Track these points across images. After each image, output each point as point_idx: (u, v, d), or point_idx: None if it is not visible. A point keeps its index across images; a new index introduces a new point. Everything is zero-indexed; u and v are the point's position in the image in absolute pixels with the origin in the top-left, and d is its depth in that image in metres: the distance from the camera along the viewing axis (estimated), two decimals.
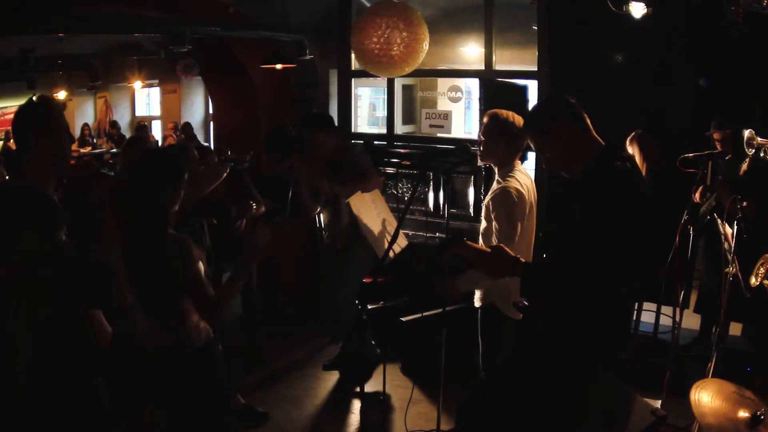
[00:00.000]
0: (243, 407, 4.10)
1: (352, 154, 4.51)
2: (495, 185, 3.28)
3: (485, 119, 3.31)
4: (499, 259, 2.31)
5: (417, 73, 5.50)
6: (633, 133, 4.38)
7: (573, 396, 2.23)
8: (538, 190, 3.41)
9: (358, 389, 4.45)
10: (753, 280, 3.26)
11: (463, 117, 8.10)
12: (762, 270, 3.21)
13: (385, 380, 3.91)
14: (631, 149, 4.40)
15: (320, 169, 4.47)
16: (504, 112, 3.25)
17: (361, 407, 2.93)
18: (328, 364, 4.81)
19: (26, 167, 2.57)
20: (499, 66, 5.72)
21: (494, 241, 3.17)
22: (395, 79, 6.36)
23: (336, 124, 5.46)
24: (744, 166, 3.81)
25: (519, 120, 3.25)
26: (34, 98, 2.71)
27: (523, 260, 2.33)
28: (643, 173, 4.34)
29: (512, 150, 3.25)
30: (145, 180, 2.51)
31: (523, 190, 3.17)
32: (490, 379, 2.99)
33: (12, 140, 2.74)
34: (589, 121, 2.41)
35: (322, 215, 4.76)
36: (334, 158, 4.43)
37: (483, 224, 3.31)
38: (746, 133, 3.65)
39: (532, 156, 4.96)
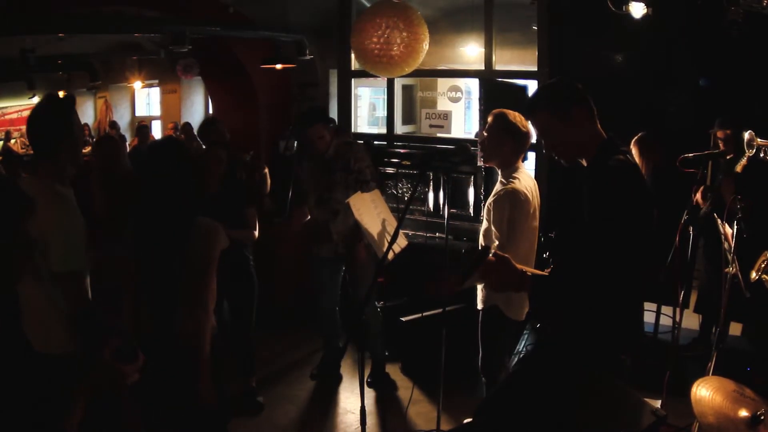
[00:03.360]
0: (247, 391, 4.15)
1: (360, 162, 4.40)
2: (498, 186, 3.27)
3: (490, 118, 3.29)
4: (503, 272, 2.22)
5: (417, 73, 5.50)
6: (637, 137, 4.39)
7: (573, 396, 2.23)
8: (539, 189, 3.41)
9: (358, 389, 4.46)
10: (753, 275, 3.25)
11: (463, 117, 8.10)
12: (763, 266, 3.21)
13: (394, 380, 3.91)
14: (634, 151, 4.40)
15: (316, 168, 4.41)
16: (511, 113, 3.24)
17: (360, 407, 2.92)
18: (315, 373, 4.75)
19: (45, 168, 2.51)
20: (499, 66, 5.72)
21: (495, 242, 3.16)
22: (395, 79, 6.35)
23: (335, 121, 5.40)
24: (743, 161, 3.81)
25: (524, 121, 3.23)
26: (52, 97, 2.64)
27: (530, 272, 2.27)
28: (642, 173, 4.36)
29: (517, 151, 3.25)
30: (174, 167, 2.52)
31: (527, 193, 3.16)
32: (505, 380, 2.98)
33: (27, 140, 2.64)
34: (596, 113, 2.38)
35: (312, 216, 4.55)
36: (338, 159, 4.36)
37: (484, 224, 3.31)
38: (746, 134, 3.65)
39: (532, 156, 4.97)
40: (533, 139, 3.28)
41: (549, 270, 2.53)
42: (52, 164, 2.51)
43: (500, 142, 3.22)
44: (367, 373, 4.53)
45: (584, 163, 2.36)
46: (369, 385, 4.51)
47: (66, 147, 2.52)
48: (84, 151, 12.78)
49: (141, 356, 1.74)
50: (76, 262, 2.46)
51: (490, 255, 2.23)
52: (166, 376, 2.46)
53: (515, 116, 3.23)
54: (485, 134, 3.30)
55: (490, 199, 3.26)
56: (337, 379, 4.64)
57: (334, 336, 4.65)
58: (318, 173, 4.38)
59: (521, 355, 2.62)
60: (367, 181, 4.28)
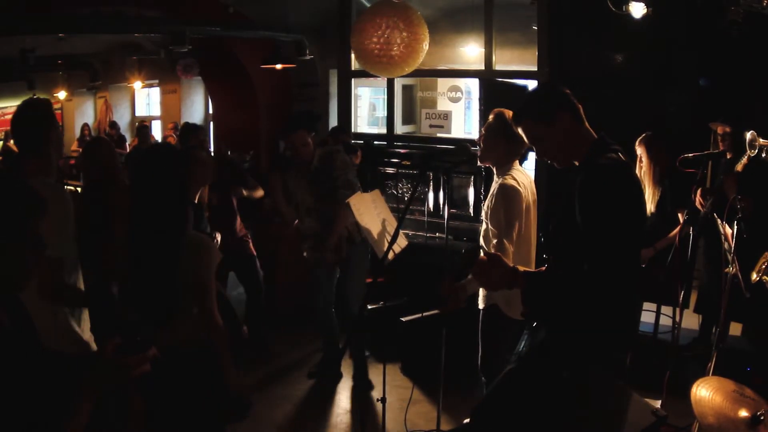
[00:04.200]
0: (232, 397, 4.13)
1: (343, 172, 4.35)
2: (494, 185, 3.27)
3: (490, 116, 3.29)
4: (494, 270, 2.22)
5: (417, 73, 5.50)
6: (642, 135, 4.39)
7: (574, 396, 2.23)
8: (538, 190, 3.40)
9: (357, 389, 4.46)
10: (753, 276, 3.25)
11: (463, 117, 8.10)
12: (763, 267, 3.21)
13: (385, 380, 3.92)
14: (639, 151, 4.40)
15: (301, 177, 4.42)
16: (510, 113, 3.24)
17: (360, 407, 2.92)
18: (313, 371, 4.74)
19: (34, 165, 2.61)
20: (499, 66, 5.72)
21: (492, 240, 3.16)
22: (395, 79, 6.36)
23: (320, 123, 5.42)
24: (744, 160, 3.80)
25: None
26: (33, 98, 2.79)
27: (522, 269, 2.27)
28: (651, 175, 4.35)
29: (512, 151, 3.24)
30: (163, 173, 2.54)
31: (520, 188, 3.16)
32: (502, 380, 2.99)
33: (13, 140, 2.81)
34: (583, 113, 2.40)
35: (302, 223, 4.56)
36: (321, 168, 4.35)
37: (483, 226, 3.31)
38: (748, 135, 3.64)
39: (532, 156, 4.96)
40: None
41: (543, 268, 2.54)
42: (40, 160, 2.63)
43: (495, 142, 3.23)
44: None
45: (577, 163, 2.36)
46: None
47: (53, 143, 2.69)
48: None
49: (151, 348, 1.72)
50: (63, 251, 2.55)
51: (481, 255, 2.24)
52: (166, 378, 2.46)
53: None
54: (483, 132, 3.30)
55: (487, 199, 3.26)
56: (338, 378, 4.65)
57: (333, 335, 4.65)
58: (304, 184, 4.38)
59: (519, 355, 2.62)
60: (355, 191, 4.27)
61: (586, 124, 2.38)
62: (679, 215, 4.32)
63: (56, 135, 2.76)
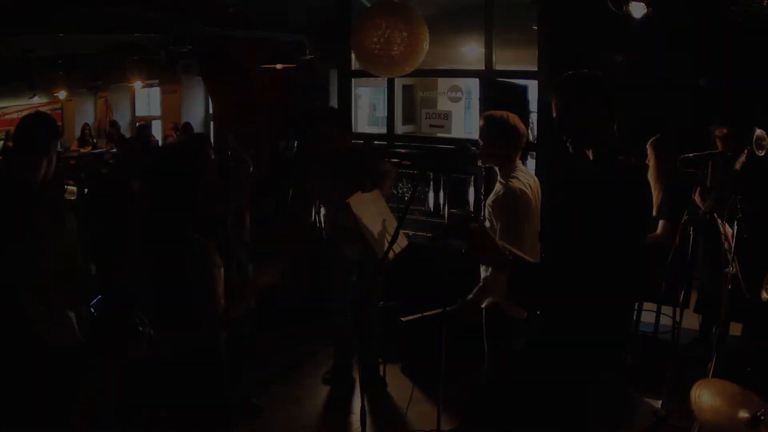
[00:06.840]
0: (238, 398, 4.12)
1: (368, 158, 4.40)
2: (497, 186, 3.27)
3: (481, 122, 3.30)
4: (484, 241, 2.28)
5: (417, 73, 5.49)
6: (653, 138, 4.38)
7: (574, 396, 2.23)
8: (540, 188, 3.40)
9: (358, 390, 4.46)
10: (764, 295, 3.23)
11: (463, 117, 8.08)
12: None
13: (385, 380, 3.94)
14: (649, 152, 4.40)
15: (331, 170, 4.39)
16: (498, 113, 3.24)
17: (360, 407, 2.92)
18: (327, 377, 4.73)
19: (46, 171, 2.65)
20: (499, 66, 5.71)
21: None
22: (395, 79, 6.35)
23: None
24: (742, 158, 3.79)
25: (514, 118, 3.23)
26: (35, 114, 2.88)
27: (515, 253, 2.31)
28: (658, 177, 4.35)
29: (512, 149, 3.24)
30: (169, 179, 2.53)
31: (527, 190, 3.16)
32: (496, 376, 2.99)
33: (22, 148, 2.83)
34: (617, 113, 2.38)
35: (328, 218, 4.59)
36: (350, 161, 4.32)
37: (486, 225, 3.30)
38: (757, 131, 3.62)
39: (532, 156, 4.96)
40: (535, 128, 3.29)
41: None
42: (47, 164, 2.63)
43: (493, 146, 3.23)
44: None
45: (590, 155, 2.35)
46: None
47: (54, 149, 2.74)
48: (84, 150, 12.72)
49: (147, 331, 1.72)
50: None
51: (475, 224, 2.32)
52: (173, 378, 2.46)
53: (503, 115, 3.22)
54: (479, 140, 3.30)
55: (490, 200, 3.25)
56: (351, 384, 4.60)
57: (346, 340, 4.63)
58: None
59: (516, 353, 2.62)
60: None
61: (615, 125, 2.37)
62: (661, 223, 4.31)
63: (56, 150, 2.79)
